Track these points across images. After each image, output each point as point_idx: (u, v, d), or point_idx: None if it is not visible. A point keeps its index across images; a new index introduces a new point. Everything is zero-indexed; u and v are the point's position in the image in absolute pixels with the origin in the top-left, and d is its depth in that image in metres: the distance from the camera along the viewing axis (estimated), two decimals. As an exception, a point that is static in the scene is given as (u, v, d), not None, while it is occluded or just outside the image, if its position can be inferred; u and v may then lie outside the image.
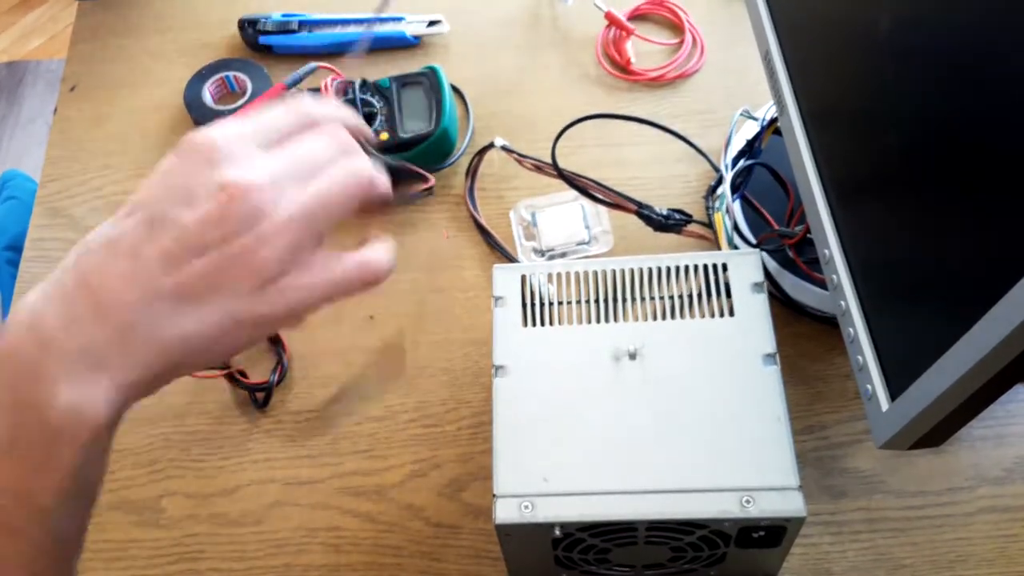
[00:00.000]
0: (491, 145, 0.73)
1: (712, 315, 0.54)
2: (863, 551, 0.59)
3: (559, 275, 0.57)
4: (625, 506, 0.48)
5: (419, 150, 0.74)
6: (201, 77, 0.82)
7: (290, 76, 0.79)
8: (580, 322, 0.55)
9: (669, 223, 0.66)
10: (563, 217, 0.72)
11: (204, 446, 0.66)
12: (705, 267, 0.56)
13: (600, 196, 0.67)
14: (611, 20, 0.83)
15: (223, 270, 0.37)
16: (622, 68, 0.81)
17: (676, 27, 0.84)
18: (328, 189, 0.40)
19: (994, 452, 0.61)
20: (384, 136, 0.73)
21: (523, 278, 0.57)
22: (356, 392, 0.67)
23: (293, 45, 0.84)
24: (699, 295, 0.55)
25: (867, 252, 0.51)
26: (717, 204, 0.67)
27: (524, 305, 0.56)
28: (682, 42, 0.82)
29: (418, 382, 0.67)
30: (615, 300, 0.56)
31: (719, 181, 0.69)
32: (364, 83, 0.76)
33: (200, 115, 0.80)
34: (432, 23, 0.84)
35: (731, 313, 0.54)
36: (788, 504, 0.47)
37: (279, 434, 0.66)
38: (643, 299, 0.56)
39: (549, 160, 0.68)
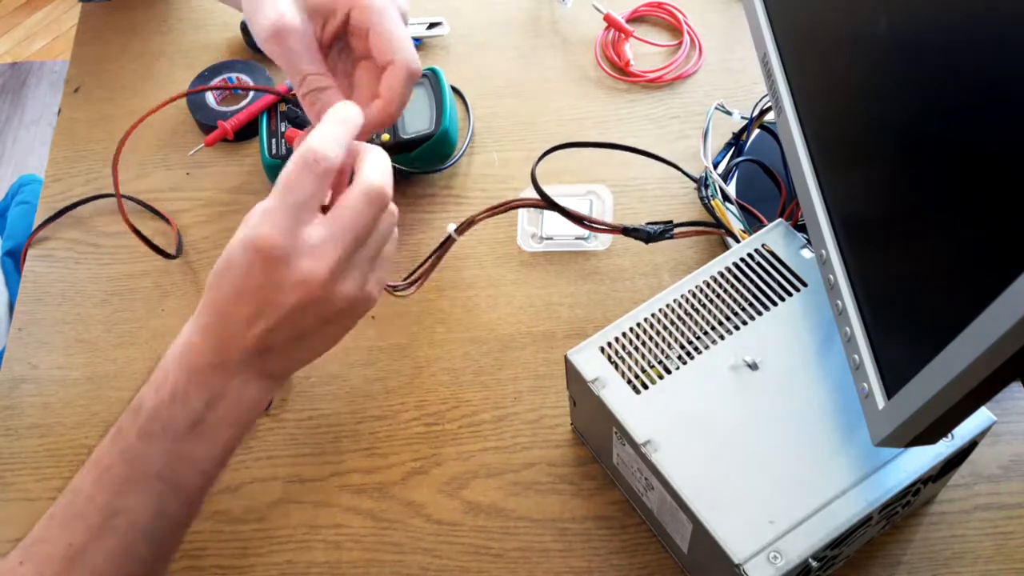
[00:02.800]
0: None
1: (788, 293, 0.55)
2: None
3: (631, 330, 0.55)
4: (852, 503, 0.48)
5: (420, 151, 0.74)
6: (203, 78, 0.82)
7: (292, 77, 0.80)
8: (683, 361, 0.54)
9: (657, 234, 0.66)
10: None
11: (207, 444, 0.66)
12: (750, 255, 0.56)
13: (590, 223, 0.66)
14: (610, 22, 0.83)
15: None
16: (621, 70, 0.82)
17: (674, 29, 0.84)
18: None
19: (990, 450, 0.61)
20: (385, 137, 0.74)
21: (602, 350, 0.55)
22: (357, 391, 0.68)
23: (295, 46, 0.84)
24: (764, 282, 0.56)
25: (864, 252, 0.51)
26: (710, 192, 0.68)
27: (623, 376, 0.54)
28: (680, 44, 0.83)
29: (419, 381, 0.68)
30: (696, 325, 0.55)
31: (707, 176, 0.69)
32: (365, 84, 0.76)
33: (203, 116, 0.80)
34: (432, 25, 0.85)
35: (802, 283, 0.55)
36: (980, 419, 0.50)
37: (281, 432, 0.66)
38: (718, 309, 0.55)
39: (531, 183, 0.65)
